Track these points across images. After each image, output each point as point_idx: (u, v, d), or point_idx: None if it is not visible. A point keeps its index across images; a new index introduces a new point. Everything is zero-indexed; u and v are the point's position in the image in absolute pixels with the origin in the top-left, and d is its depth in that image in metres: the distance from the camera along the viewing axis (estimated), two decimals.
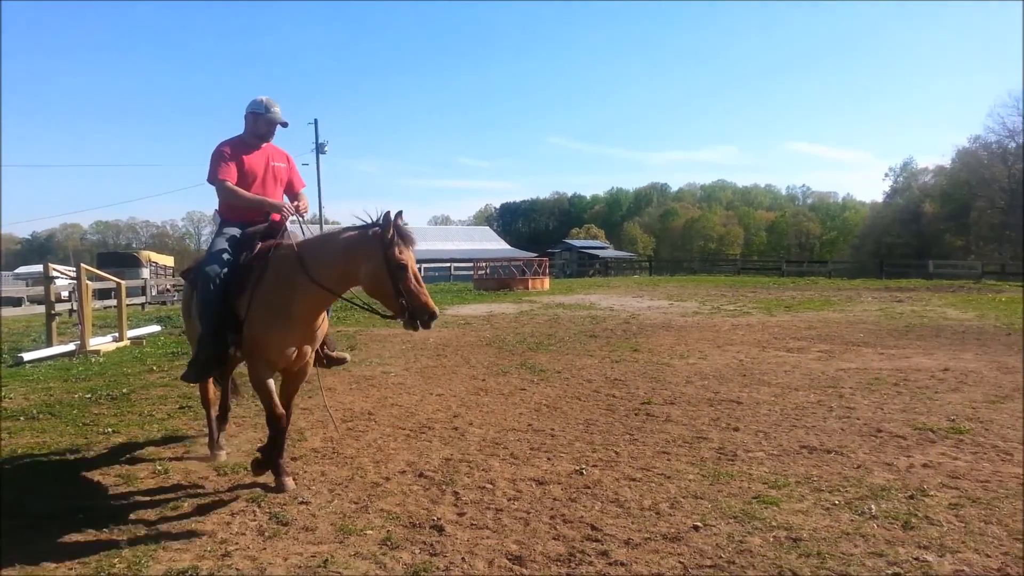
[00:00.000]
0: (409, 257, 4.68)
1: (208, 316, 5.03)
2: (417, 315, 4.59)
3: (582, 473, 5.51)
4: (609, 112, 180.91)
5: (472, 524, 4.53)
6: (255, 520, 4.62)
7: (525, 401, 8.22)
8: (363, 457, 5.95)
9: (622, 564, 3.93)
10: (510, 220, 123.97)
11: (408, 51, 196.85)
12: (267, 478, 5.23)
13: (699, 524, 4.48)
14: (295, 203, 5.60)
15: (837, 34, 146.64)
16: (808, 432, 6.67)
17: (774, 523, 4.48)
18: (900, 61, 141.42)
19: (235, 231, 5.40)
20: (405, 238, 4.68)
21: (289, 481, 5.15)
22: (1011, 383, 8.95)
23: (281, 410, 5.07)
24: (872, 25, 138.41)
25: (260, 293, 4.88)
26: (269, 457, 5.13)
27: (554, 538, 4.31)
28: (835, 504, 4.80)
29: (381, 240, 4.63)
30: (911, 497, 4.91)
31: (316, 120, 48.20)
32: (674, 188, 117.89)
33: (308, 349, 5.16)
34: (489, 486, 5.24)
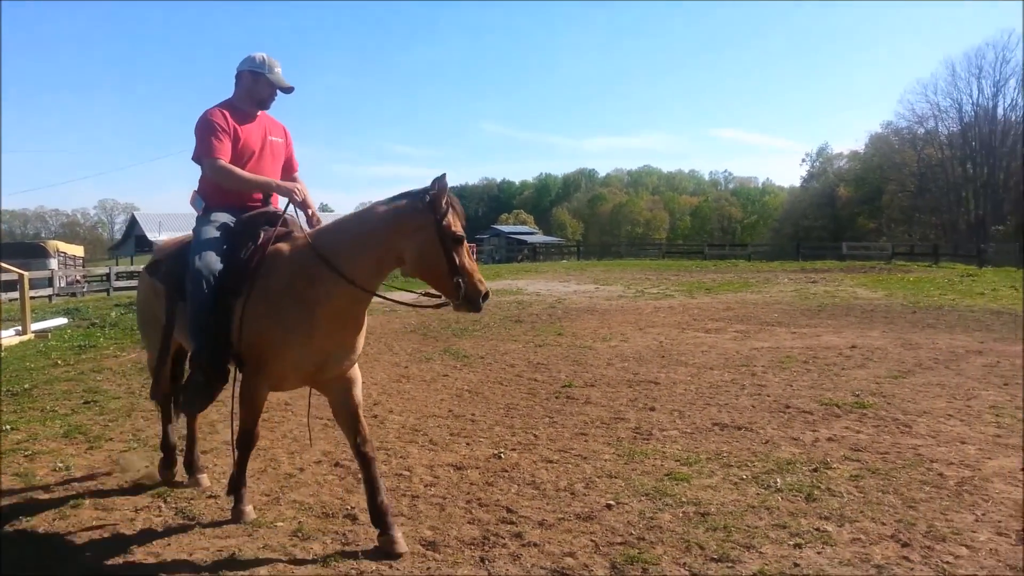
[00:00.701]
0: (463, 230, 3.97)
1: (205, 325, 4.04)
2: (472, 296, 3.83)
3: (500, 457, 5.53)
4: (539, 98, 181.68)
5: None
6: (160, 516, 4.47)
7: (447, 387, 8.20)
8: (277, 448, 5.83)
9: (535, 545, 3.96)
10: None
11: (340, 32, 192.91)
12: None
13: (612, 502, 4.55)
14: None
15: (757, 22, 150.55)
16: (721, 410, 6.86)
17: (684, 499, 4.59)
18: (816, 49, 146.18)
19: (226, 217, 4.37)
20: (458, 207, 3.93)
21: (249, 510, 4.40)
22: (913, 359, 9.40)
23: (258, 430, 4.30)
24: (789, 14, 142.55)
25: (266, 294, 3.97)
26: (235, 482, 4.40)
27: (469, 522, 4.31)
28: (743, 479, 4.95)
29: (433, 208, 3.80)
30: (815, 470, 5.10)
31: None
32: (602, 174, 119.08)
33: (347, 363, 4.12)
34: (406, 473, 5.20)
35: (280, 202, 4.55)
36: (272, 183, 4.46)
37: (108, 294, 27.42)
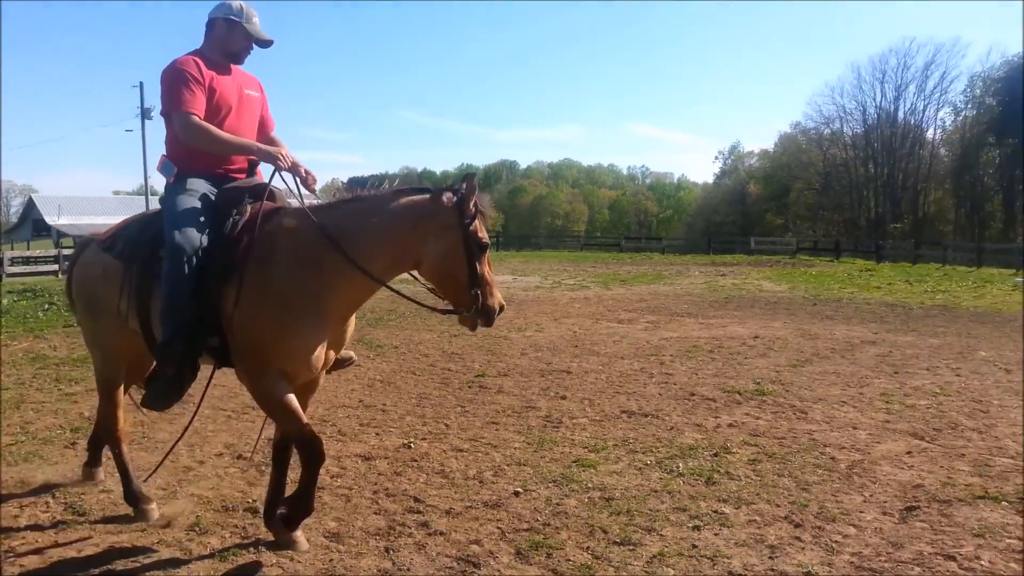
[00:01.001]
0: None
1: (180, 309, 3.49)
2: (489, 311, 3.54)
3: (410, 447, 5.50)
4: (460, 88, 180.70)
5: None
6: (48, 512, 4.25)
7: (359, 377, 8.08)
8: None
9: (441, 533, 3.96)
10: None
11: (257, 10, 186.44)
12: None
13: (520, 490, 4.59)
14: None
15: (676, 21, 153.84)
16: (629, 398, 7.00)
17: (590, 485, 4.67)
18: (731, 49, 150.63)
19: (205, 187, 3.80)
20: (486, 212, 3.61)
21: (302, 539, 3.80)
22: (811, 348, 9.81)
23: (314, 430, 3.63)
24: (708, 15, 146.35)
25: (265, 279, 3.48)
26: (299, 504, 3.65)
27: (375, 512, 4.27)
28: (647, 464, 5.07)
29: (459, 210, 3.48)
30: (715, 455, 5.27)
31: (142, 83, 45.23)
32: (523, 165, 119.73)
33: (332, 355, 3.84)
34: None
35: (264, 169, 4.04)
36: (253, 146, 3.87)
37: (0, 280, 25.85)
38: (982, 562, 3.62)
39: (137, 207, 52.73)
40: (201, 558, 3.67)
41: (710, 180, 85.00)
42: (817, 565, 3.59)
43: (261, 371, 3.50)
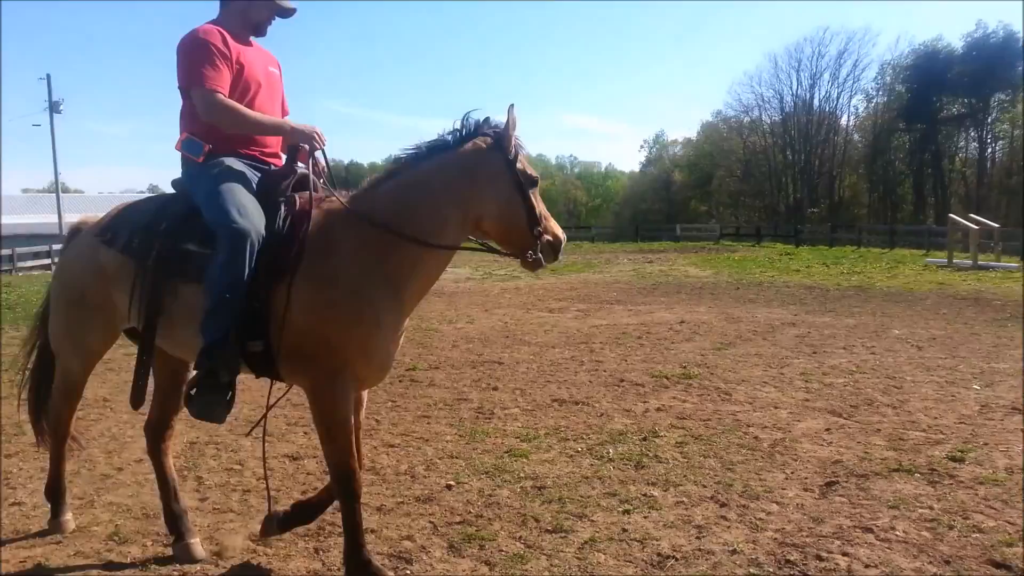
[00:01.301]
0: None
1: (234, 306, 3.06)
2: (556, 244, 3.37)
3: None
4: (387, 78, 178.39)
5: (215, 508, 4.28)
6: None
7: None
8: (94, 448, 5.39)
9: (373, 531, 3.90)
10: None
11: None
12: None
13: (452, 483, 4.57)
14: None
15: (603, 12, 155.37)
16: (560, 386, 7.06)
17: (522, 474, 4.69)
18: (656, 39, 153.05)
19: (247, 169, 3.37)
20: (523, 146, 3.35)
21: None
22: (735, 331, 10.09)
23: (356, 464, 3.30)
24: (634, 7, 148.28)
25: (329, 272, 3.12)
26: (354, 550, 3.27)
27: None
28: (578, 451, 5.12)
29: (502, 150, 3.24)
30: (644, 439, 5.36)
31: (49, 76, 43.18)
32: None
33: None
34: (238, 467, 4.98)
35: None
36: (286, 125, 3.44)
37: None
38: (897, 532, 3.79)
39: (48, 205, 50.39)
40: (121, 567, 3.53)
41: (636, 169, 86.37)
42: (742, 543, 3.69)
43: (333, 374, 3.12)
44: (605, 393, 6.75)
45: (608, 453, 5.05)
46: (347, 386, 3.16)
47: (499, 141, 3.23)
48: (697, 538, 3.77)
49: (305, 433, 5.72)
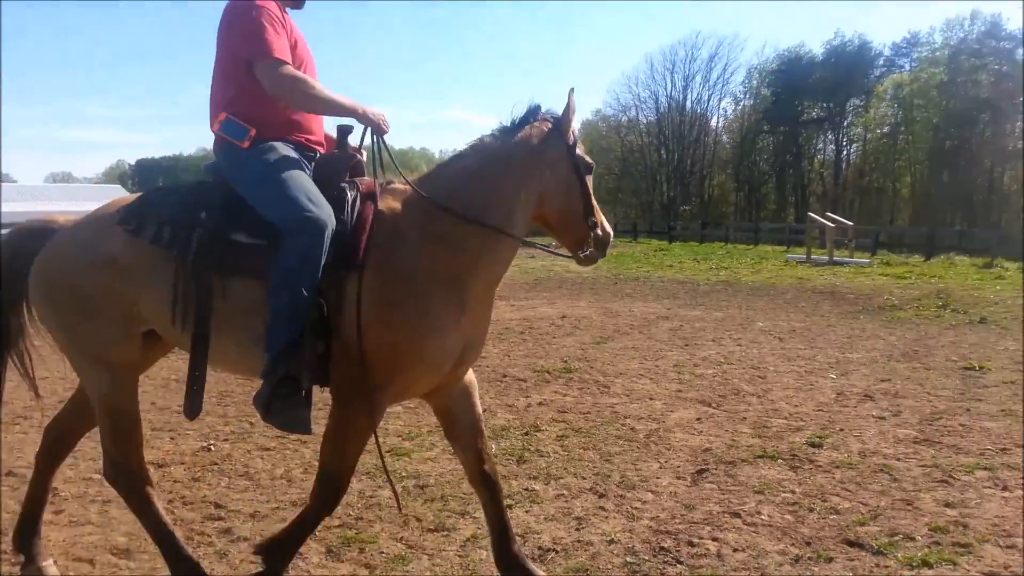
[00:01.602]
0: None
1: (305, 303, 2.74)
2: (605, 239, 3.26)
3: (210, 449, 5.16)
4: None
5: (72, 521, 4.01)
6: None
7: (151, 377, 7.46)
8: None
9: (245, 539, 3.76)
10: (149, 178, 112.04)
11: None
12: None
13: None
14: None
15: (483, 14, 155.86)
16: None
17: (404, 473, 4.63)
18: (540, 39, 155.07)
19: (300, 155, 3.05)
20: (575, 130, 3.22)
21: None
22: (613, 325, 10.38)
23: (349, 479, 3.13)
24: (524, 6, 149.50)
25: (395, 269, 2.85)
26: (293, 537, 3.12)
27: (172, 523, 3.95)
28: None
29: (562, 136, 3.11)
30: (526, 434, 5.41)
31: None
32: None
33: (473, 357, 3.20)
34: (97, 476, 4.64)
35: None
36: (358, 106, 3.05)
37: None
38: (763, 516, 4.00)
39: None
40: None
41: None
42: (620, 532, 3.79)
43: (385, 382, 2.86)
44: (488, 389, 6.77)
45: (491, 448, 5.06)
46: (391, 395, 2.97)
47: (558, 126, 3.13)
48: (577, 530, 3.84)
49: (172, 438, 5.42)
